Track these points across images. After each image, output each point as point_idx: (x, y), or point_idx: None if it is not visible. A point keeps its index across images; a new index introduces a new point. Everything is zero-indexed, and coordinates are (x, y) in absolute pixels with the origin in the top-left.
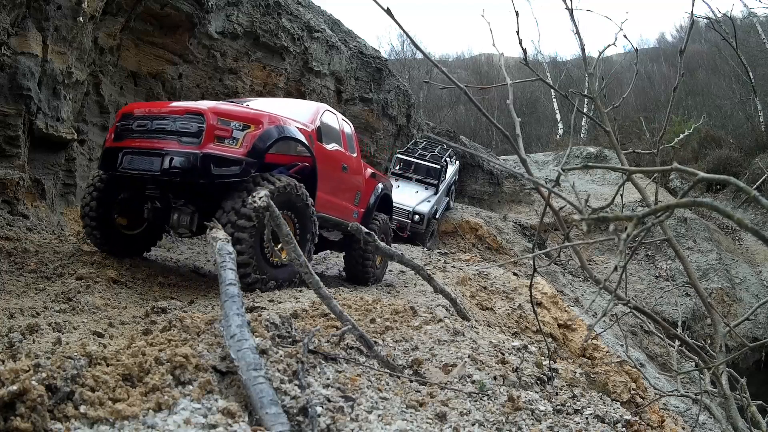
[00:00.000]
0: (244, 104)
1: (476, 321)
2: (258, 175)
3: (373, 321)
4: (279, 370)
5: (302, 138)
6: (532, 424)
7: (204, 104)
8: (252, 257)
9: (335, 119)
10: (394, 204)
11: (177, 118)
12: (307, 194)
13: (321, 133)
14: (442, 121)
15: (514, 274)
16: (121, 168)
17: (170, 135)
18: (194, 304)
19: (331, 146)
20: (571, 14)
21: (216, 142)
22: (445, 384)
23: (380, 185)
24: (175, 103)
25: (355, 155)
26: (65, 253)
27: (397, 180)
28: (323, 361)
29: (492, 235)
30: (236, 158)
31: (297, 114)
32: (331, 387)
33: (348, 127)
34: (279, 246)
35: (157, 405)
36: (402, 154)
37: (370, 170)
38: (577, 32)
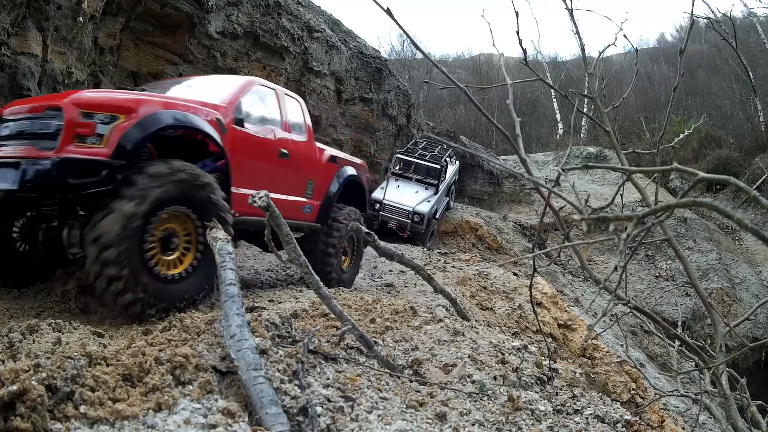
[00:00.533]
0: (151, 88)
1: (476, 321)
2: (126, 175)
3: (373, 321)
4: (279, 370)
5: (202, 125)
6: (532, 424)
7: (70, 95)
8: (126, 270)
9: (270, 97)
10: (394, 204)
11: (36, 116)
12: (213, 187)
13: (241, 115)
14: (442, 121)
15: (514, 274)
16: None
17: (29, 139)
18: (194, 304)
19: (260, 130)
20: (571, 14)
21: (76, 142)
22: (445, 384)
23: (345, 171)
24: (41, 98)
25: (303, 138)
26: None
27: (397, 180)
28: (323, 361)
29: (492, 235)
30: (98, 161)
31: (213, 94)
32: (331, 387)
33: (294, 106)
34: (175, 254)
35: (157, 405)
36: (402, 154)
37: (329, 153)
38: (577, 32)
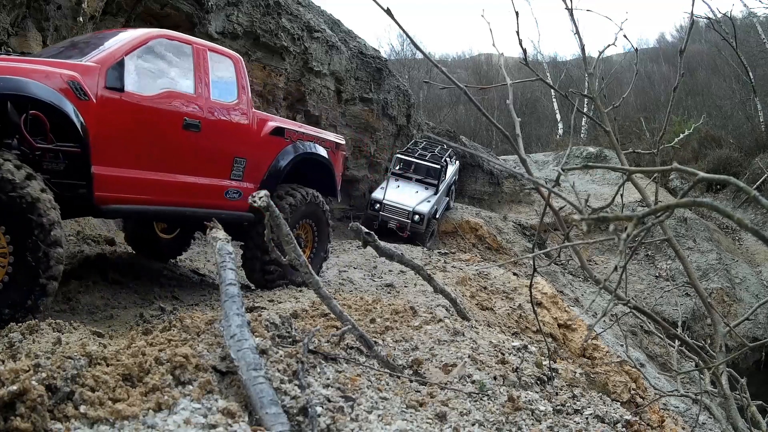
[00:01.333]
0: (46, 51)
1: (476, 321)
2: None
3: (373, 321)
4: (279, 370)
5: (38, 91)
6: (532, 424)
7: None
8: None
9: (181, 55)
10: (394, 204)
11: None
12: (28, 175)
13: (121, 77)
14: (442, 121)
15: (514, 274)
16: None
17: None
18: (194, 304)
19: (153, 96)
20: (571, 14)
21: None
22: (445, 384)
23: (298, 147)
24: None
25: (232, 104)
26: (65, 253)
27: (397, 180)
28: (323, 361)
29: (492, 235)
30: None
31: (88, 53)
32: (331, 387)
33: (223, 68)
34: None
35: (157, 405)
36: (402, 154)
37: (274, 125)
38: (577, 32)
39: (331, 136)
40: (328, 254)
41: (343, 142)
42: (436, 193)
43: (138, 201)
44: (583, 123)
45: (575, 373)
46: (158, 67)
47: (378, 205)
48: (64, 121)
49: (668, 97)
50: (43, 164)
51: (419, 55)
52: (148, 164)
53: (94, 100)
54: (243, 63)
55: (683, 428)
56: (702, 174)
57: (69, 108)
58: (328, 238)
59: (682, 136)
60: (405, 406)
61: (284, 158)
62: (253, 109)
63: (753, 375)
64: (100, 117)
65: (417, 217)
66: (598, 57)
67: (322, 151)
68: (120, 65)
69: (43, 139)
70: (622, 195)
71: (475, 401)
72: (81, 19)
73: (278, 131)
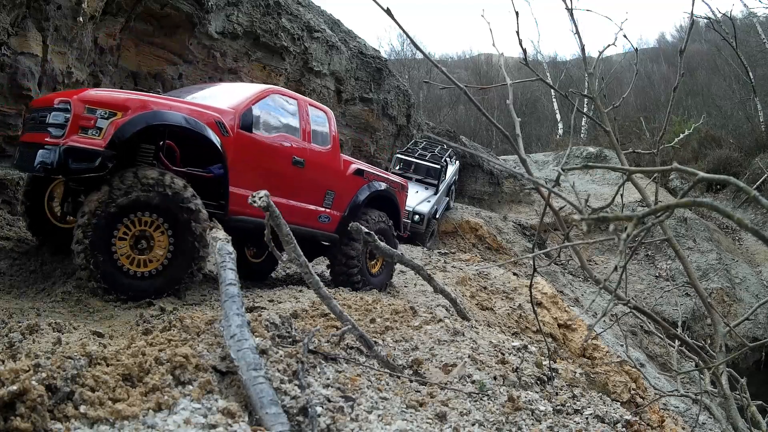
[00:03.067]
0: (176, 92)
1: (476, 321)
2: (126, 170)
3: (373, 321)
4: (279, 370)
5: (196, 126)
6: (532, 424)
7: (80, 92)
8: (91, 263)
9: (290, 106)
10: None
11: (52, 108)
12: (194, 197)
13: (251, 120)
14: (442, 121)
15: (514, 274)
16: (16, 163)
17: (46, 127)
18: (194, 303)
19: (272, 137)
20: (571, 14)
21: (80, 133)
22: (445, 384)
23: (373, 185)
24: (60, 93)
25: (326, 149)
26: (65, 253)
27: None
28: (323, 361)
29: (492, 235)
30: (94, 150)
31: (224, 100)
32: (331, 387)
33: (319, 117)
34: (147, 252)
35: (157, 405)
36: (402, 154)
37: (356, 167)
38: (577, 32)
39: (396, 178)
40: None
41: (405, 184)
42: (436, 193)
43: (258, 216)
44: (583, 123)
45: (575, 373)
46: (274, 115)
47: None
48: (211, 149)
49: (668, 97)
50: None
51: (419, 55)
52: (263, 187)
53: (231, 136)
54: (333, 116)
55: (683, 428)
56: (702, 174)
57: (216, 139)
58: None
59: (682, 136)
60: (405, 406)
61: (363, 193)
62: (343, 155)
63: (753, 375)
64: (235, 149)
65: (417, 217)
66: (598, 57)
67: (392, 192)
68: (250, 111)
69: (173, 163)
70: (622, 195)
71: (475, 401)
72: (81, 19)
73: (359, 172)
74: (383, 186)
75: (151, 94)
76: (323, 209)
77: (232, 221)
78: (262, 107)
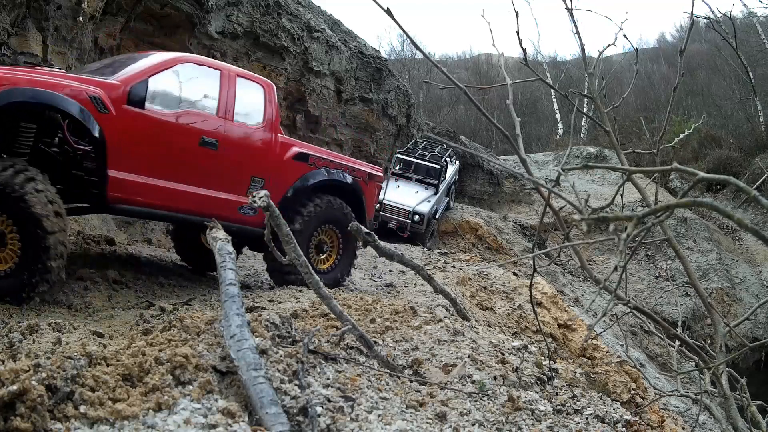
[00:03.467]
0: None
1: (476, 321)
2: None
3: (373, 321)
4: (279, 370)
5: (62, 102)
6: (532, 424)
7: None
8: None
9: (208, 78)
10: (394, 204)
11: None
12: (28, 183)
13: (143, 94)
14: (442, 121)
15: (514, 274)
16: None
17: None
18: (194, 304)
19: (173, 113)
20: (571, 14)
21: None
22: (445, 384)
23: (319, 173)
24: None
25: (256, 127)
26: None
27: (397, 180)
28: (323, 361)
29: (492, 235)
30: None
31: (119, 72)
32: (331, 387)
33: (250, 92)
34: None
35: (157, 405)
36: (402, 154)
37: (298, 150)
38: (577, 32)
39: (365, 167)
40: (355, 258)
41: (380, 174)
42: (436, 193)
43: (147, 204)
44: (583, 123)
45: (575, 373)
46: (180, 88)
47: (378, 205)
48: (84, 129)
49: (668, 97)
50: (84, 163)
51: (419, 55)
52: (159, 172)
53: (111, 113)
54: (274, 90)
55: (683, 428)
56: (702, 174)
57: (88, 117)
58: (356, 242)
59: (682, 136)
60: (405, 406)
61: (304, 182)
62: (280, 134)
63: (753, 375)
64: (117, 127)
65: (417, 217)
66: (598, 57)
67: (350, 181)
68: (144, 84)
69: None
70: (622, 195)
71: (475, 401)
72: (81, 19)
73: (302, 156)
74: (340, 175)
75: (30, 68)
76: (246, 199)
77: (116, 209)
78: (165, 79)
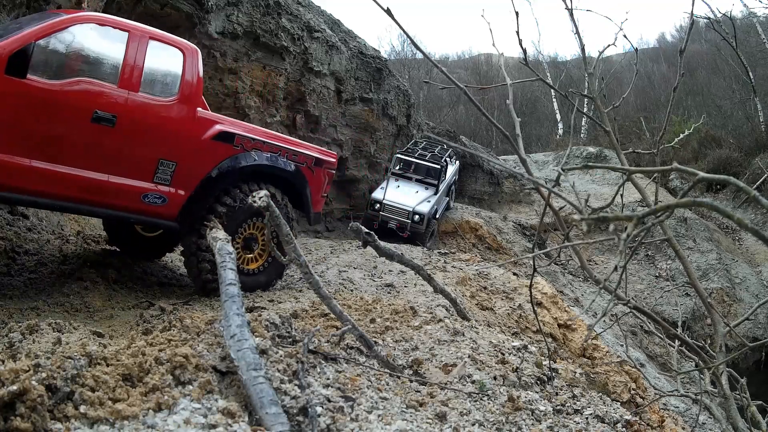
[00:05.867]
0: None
1: (476, 321)
2: None
3: (373, 321)
4: (279, 370)
5: None
6: (532, 424)
7: None
8: None
9: (115, 41)
10: (394, 204)
11: None
12: None
13: (26, 61)
14: (442, 121)
15: (514, 274)
16: None
17: None
18: (194, 304)
19: (57, 83)
20: (571, 14)
21: None
22: (445, 384)
23: (248, 157)
24: None
25: (168, 101)
26: (65, 253)
27: (397, 180)
28: (323, 361)
29: (492, 235)
30: None
31: (9, 35)
32: (331, 387)
33: (166, 59)
34: None
35: (157, 405)
36: (402, 154)
37: (220, 128)
38: (577, 32)
39: (312, 150)
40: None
41: (332, 159)
42: (436, 193)
43: (28, 191)
44: (583, 123)
45: (575, 373)
46: (78, 53)
47: (378, 205)
48: None
49: (668, 97)
50: None
51: (419, 55)
52: (39, 151)
53: None
54: (198, 56)
55: (683, 428)
56: (702, 174)
57: None
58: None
59: (682, 136)
60: (405, 406)
61: (227, 168)
62: (201, 110)
63: (753, 375)
64: None
65: (417, 217)
66: (598, 57)
67: (288, 166)
68: (25, 49)
69: None
70: (622, 195)
71: (475, 401)
72: None
73: (225, 136)
74: (276, 160)
75: None
76: (153, 186)
77: None
78: (56, 43)
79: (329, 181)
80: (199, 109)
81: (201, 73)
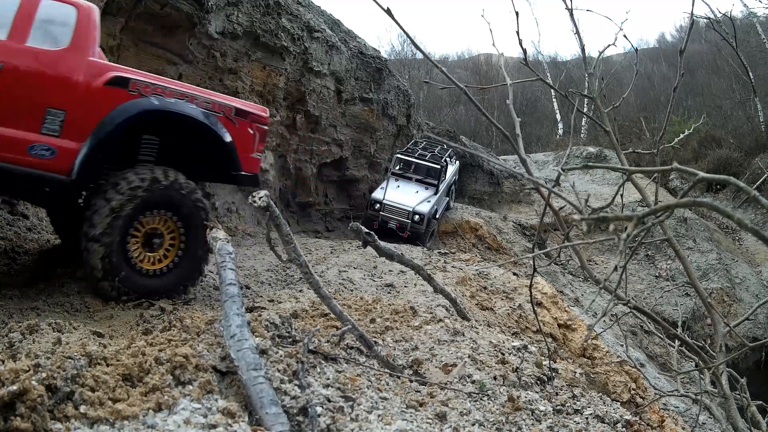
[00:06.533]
0: None
1: (476, 321)
2: None
3: (373, 321)
4: (279, 370)
5: None
6: (532, 424)
7: None
8: None
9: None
10: (394, 204)
11: None
12: None
13: None
14: (442, 121)
15: (514, 274)
16: None
17: None
18: (194, 304)
19: None
20: (571, 14)
21: None
22: (445, 384)
23: (142, 101)
24: None
25: (57, 49)
26: (65, 253)
27: (397, 180)
28: (323, 361)
29: (492, 235)
30: None
31: None
32: (331, 387)
33: (63, 10)
34: None
35: (157, 405)
36: (402, 154)
37: (115, 74)
38: (577, 32)
39: (233, 101)
40: (207, 256)
41: (261, 113)
42: (436, 193)
43: None
44: (583, 123)
45: (575, 373)
46: None
47: (378, 205)
48: None
49: (668, 97)
50: None
51: (419, 55)
52: None
53: None
54: (93, 12)
55: (683, 428)
56: (702, 174)
57: None
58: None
59: (682, 136)
60: (405, 406)
61: (121, 113)
62: (97, 59)
63: (753, 375)
64: None
65: (417, 217)
66: (598, 57)
67: (196, 113)
68: None
69: None
70: (622, 195)
71: (475, 401)
72: None
73: (118, 81)
74: (176, 105)
75: None
76: (42, 137)
77: None
78: None
79: (262, 139)
80: (92, 58)
81: (98, 27)
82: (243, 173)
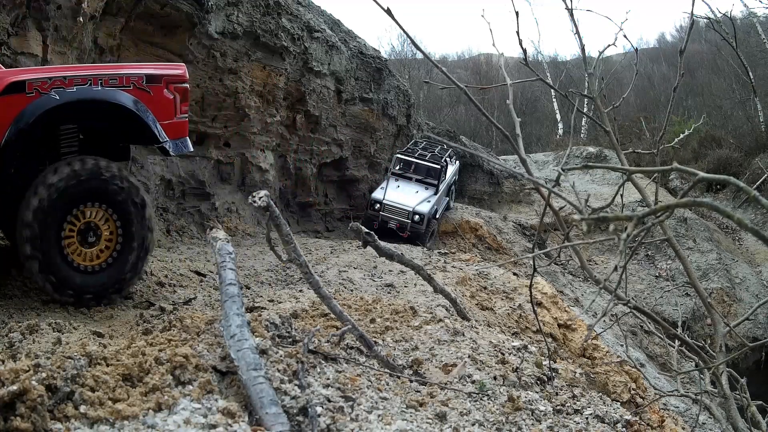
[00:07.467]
0: None
1: (476, 321)
2: None
3: (373, 321)
4: (279, 370)
5: None
6: (532, 424)
7: None
8: None
9: None
10: (394, 204)
11: None
12: None
13: None
14: (442, 121)
15: (514, 274)
16: None
17: None
18: (194, 304)
19: None
20: (571, 14)
21: None
22: (445, 384)
23: (43, 100)
24: None
25: None
26: None
27: (397, 180)
28: (323, 361)
29: (492, 235)
30: None
31: None
32: (331, 387)
33: None
34: None
35: (157, 405)
36: (402, 154)
37: (11, 78)
38: (577, 32)
39: (141, 68)
40: (149, 248)
41: (176, 71)
42: (436, 193)
43: None
44: (583, 123)
45: (575, 373)
46: None
47: (378, 205)
48: None
49: (668, 97)
50: None
51: (419, 55)
52: None
53: None
54: None
55: (683, 428)
56: (702, 174)
57: None
58: (145, 224)
59: (682, 136)
60: (405, 406)
61: (23, 121)
62: None
63: (753, 375)
64: None
65: (417, 217)
66: (598, 57)
67: (102, 95)
68: None
69: None
70: (622, 195)
71: (475, 401)
72: (81, 19)
73: (14, 87)
74: (83, 92)
75: None
76: None
77: None
78: None
79: (184, 98)
80: None
81: None
82: (170, 141)
